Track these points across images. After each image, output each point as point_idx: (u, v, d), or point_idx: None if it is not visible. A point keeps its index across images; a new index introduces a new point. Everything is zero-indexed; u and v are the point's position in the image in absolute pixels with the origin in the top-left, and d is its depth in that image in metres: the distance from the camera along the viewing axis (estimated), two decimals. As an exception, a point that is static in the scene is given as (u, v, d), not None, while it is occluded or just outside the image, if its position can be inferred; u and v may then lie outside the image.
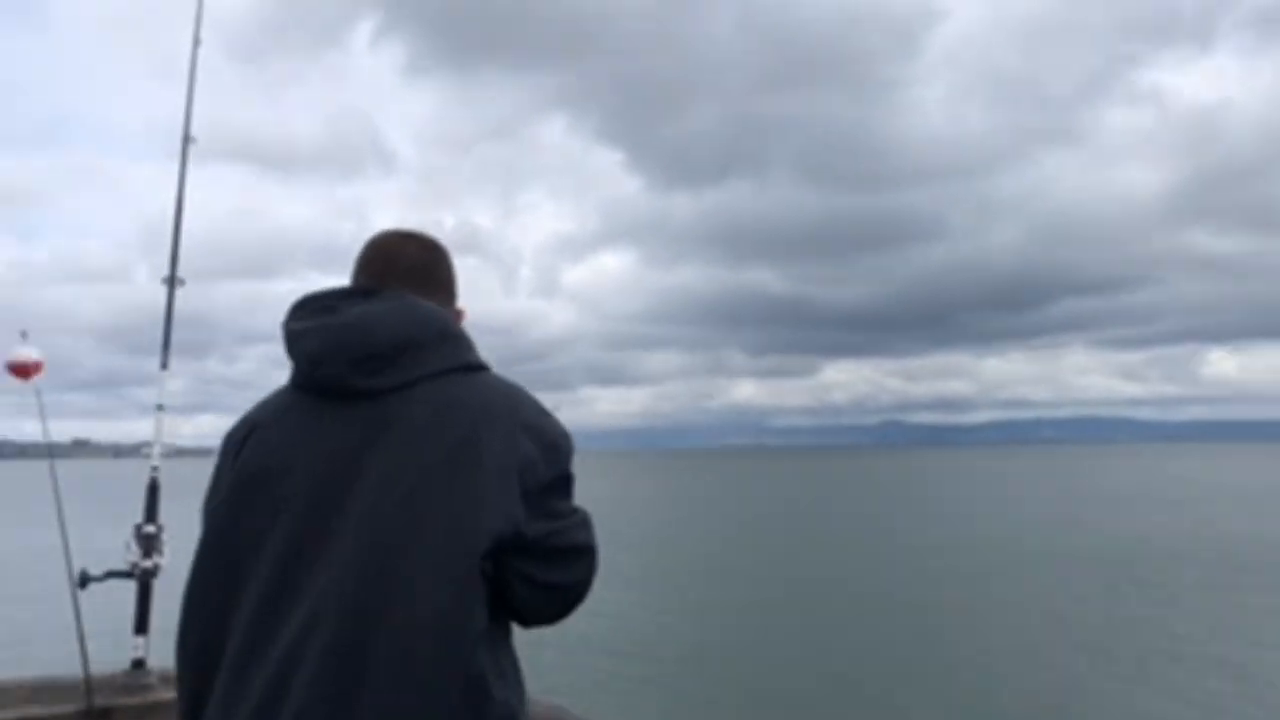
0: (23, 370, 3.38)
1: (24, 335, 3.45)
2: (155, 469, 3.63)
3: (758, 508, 48.26)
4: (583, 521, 1.53)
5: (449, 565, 1.31)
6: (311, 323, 1.44)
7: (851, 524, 37.12)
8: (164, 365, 3.73)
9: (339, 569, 1.31)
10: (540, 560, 1.43)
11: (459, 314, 1.65)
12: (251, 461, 1.43)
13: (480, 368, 1.51)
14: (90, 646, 3.00)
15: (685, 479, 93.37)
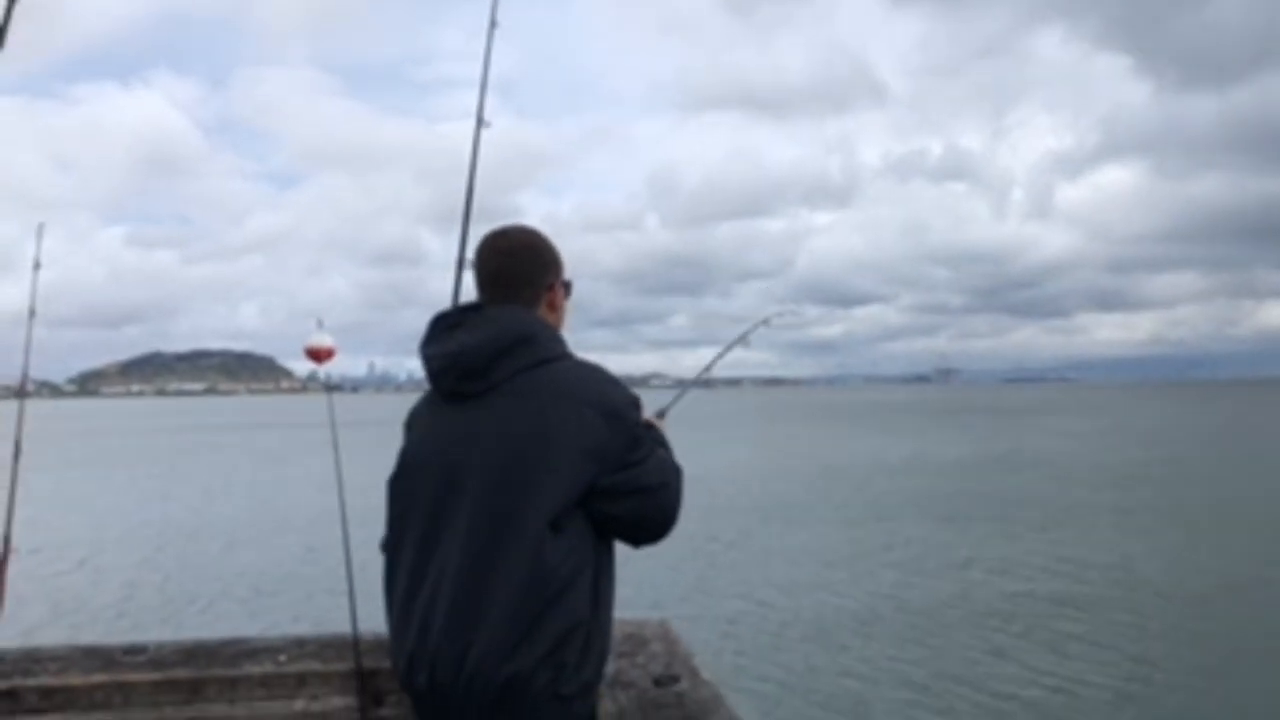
0: (317, 355, 3.74)
1: (320, 324, 3.84)
2: None
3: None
4: (655, 466, 1.90)
5: (529, 525, 1.76)
6: (432, 349, 1.93)
7: None
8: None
9: (460, 533, 1.80)
10: (619, 500, 1.85)
11: (554, 291, 2.02)
12: (408, 450, 1.97)
13: (555, 358, 1.90)
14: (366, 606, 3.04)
15: (1214, 412, 79.68)
